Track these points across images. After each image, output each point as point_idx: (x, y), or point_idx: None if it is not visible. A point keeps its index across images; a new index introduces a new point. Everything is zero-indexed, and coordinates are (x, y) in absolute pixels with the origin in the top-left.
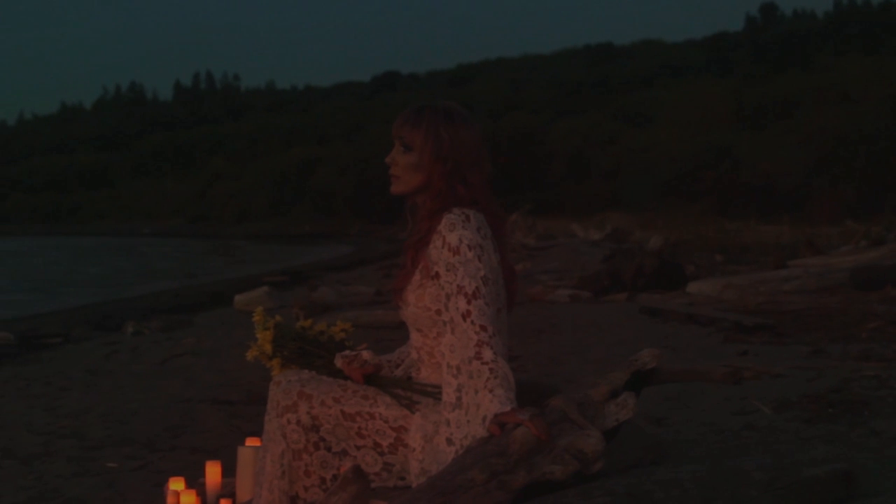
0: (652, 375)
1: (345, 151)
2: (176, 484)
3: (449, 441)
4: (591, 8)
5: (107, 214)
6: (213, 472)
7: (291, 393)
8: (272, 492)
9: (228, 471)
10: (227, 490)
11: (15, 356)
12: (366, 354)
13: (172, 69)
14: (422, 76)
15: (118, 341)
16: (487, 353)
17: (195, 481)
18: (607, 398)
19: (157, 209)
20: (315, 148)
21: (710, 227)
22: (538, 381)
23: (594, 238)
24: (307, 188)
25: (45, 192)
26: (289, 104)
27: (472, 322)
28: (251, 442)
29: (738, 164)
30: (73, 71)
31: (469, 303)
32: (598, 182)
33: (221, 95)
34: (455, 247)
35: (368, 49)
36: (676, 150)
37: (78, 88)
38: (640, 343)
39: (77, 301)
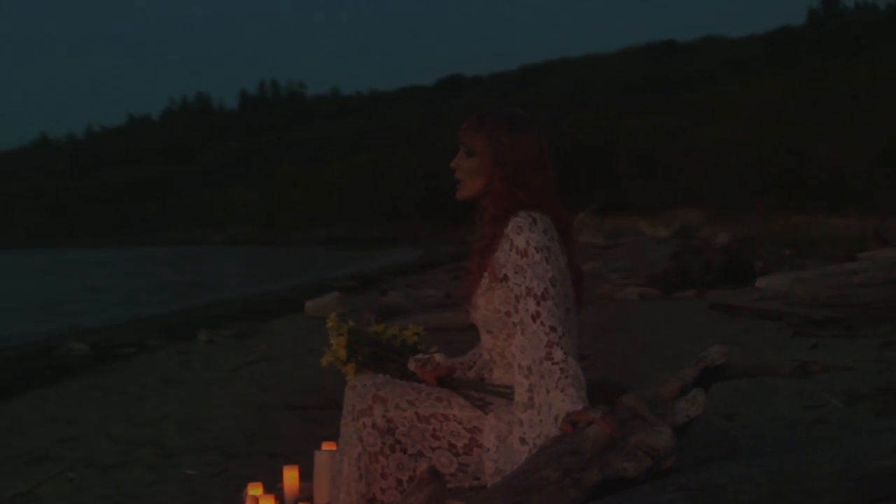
0: (721, 372)
1: (411, 155)
2: (254, 489)
3: (522, 441)
4: (653, 5)
5: (176, 224)
6: (290, 477)
7: (366, 397)
8: (350, 494)
9: (306, 475)
10: (305, 494)
11: (90, 367)
12: (438, 357)
13: (238, 78)
14: (486, 78)
15: (191, 350)
16: (558, 353)
17: (273, 486)
18: (677, 395)
19: (226, 217)
20: (381, 152)
21: (777, 221)
22: (608, 379)
23: (662, 235)
24: (375, 193)
25: (114, 203)
26: (354, 110)
27: (542, 323)
28: (327, 446)
29: (805, 158)
30: (140, 82)
31: (538, 304)
32: (665, 179)
33: (287, 103)
34: (523, 249)
35: (432, 52)
36: (742, 146)
37: (145, 100)
38: (709, 340)
39: (149, 311)
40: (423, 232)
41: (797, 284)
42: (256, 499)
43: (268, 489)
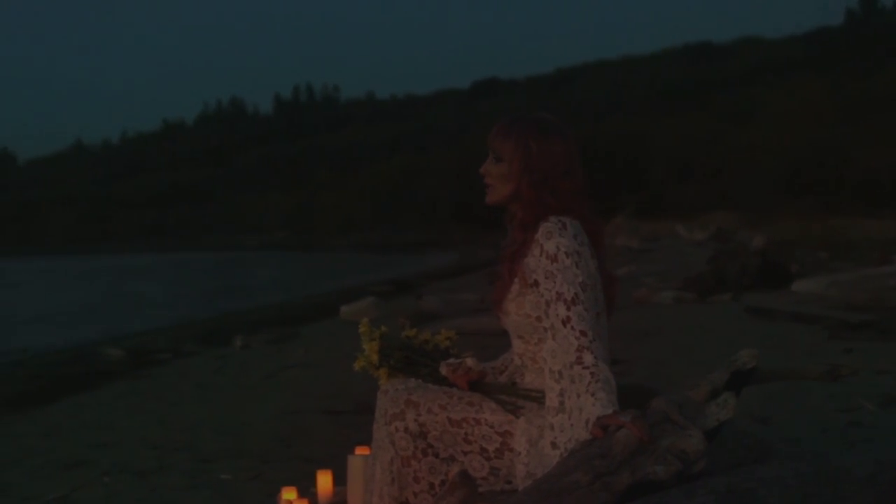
0: (752, 375)
1: (446, 159)
2: (289, 493)
3: (553, 445)
4: (689, 6)
5: (211, 229)
6: (324, 482)
7: (399, 401)
8: (382, 498)
9: (339, 479)
10: (339, 499)
11: (126, 372)
12: (470, 362)
13: (272, 82)
14: (521, 81)
15: (227, 355)
16: (588, 358)
17: (307, 491)
18: (708, 399)
19: (262, 222)
20: (417, 156)
21: (814, 224)
22: (640, 383)
23: (698, 238)
24: (410, 197)
25: (150, 208)
26: (389, 113)
27: (573, 328)
28: (361, 451)
29: (843, 160)
30: (175, 88)
31: (568, 309)
32: (701, 182)
33: (322, 107)
34: (553, 254)
35: (467, 55)
36: (780, 148)
37: (180, 105)
38: (744, 343)
39: (185, 316)
40: (458, 236)
41: (833, 287)
42: (291, 503)
43: (302, 493)
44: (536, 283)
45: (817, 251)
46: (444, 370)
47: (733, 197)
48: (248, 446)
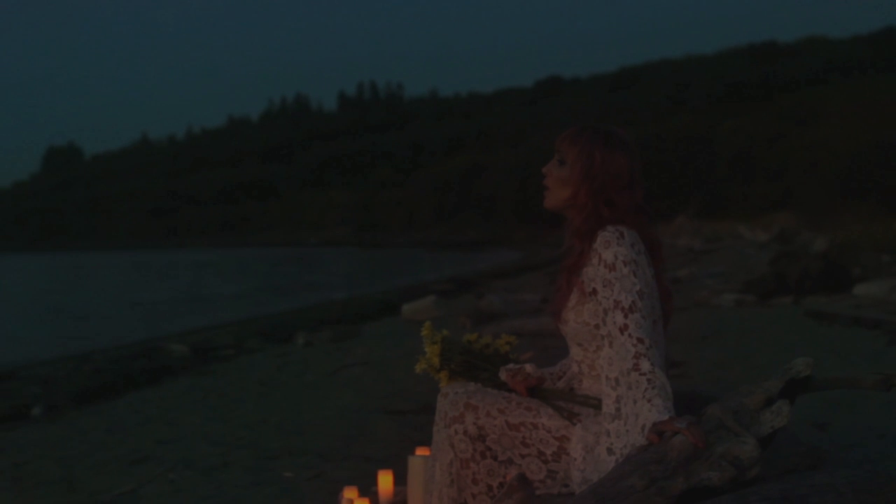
0: (806, 383)
1: (509, 157)
2: (350, 493)
3: (609, 451)
4: (754, 5)
5: (275, 225)
6: (385, 482)
7: (458, 404)
8: (441, 500)
9: (400, 479)
10: (399, 499)
11: (190, 368)
12: (529, 368)
13: (336, 79)
14: (584, 80)
15: (289, 352)
16: (645, 365)
17: (368, 490)
18: (762, 406)
19: (324, 219)
20: (479, 154)
21: (878, 226)
22: (696, 390)
23: (761, 239)
24: (472, 195)
25: (214, 204)
26: (452, 112)
27: (630, 335)
28: (421, 451)
29: None
30: (240, 84)
31: (626, 316)
32: (765, 182)
33: (385, 104)
34: (611, 263)
35: (531, 53)
36: (844, 149)
37: (245, 101)
38: (803, 348)
39: (249, 312)
40: (520, 234)
41: (895, 292)
42: (352, 502)
43: (363, 493)
44: (595, 292)
45: (880, 254)
46: (503, 375)
47: (796, 198)
48: (309, 444)
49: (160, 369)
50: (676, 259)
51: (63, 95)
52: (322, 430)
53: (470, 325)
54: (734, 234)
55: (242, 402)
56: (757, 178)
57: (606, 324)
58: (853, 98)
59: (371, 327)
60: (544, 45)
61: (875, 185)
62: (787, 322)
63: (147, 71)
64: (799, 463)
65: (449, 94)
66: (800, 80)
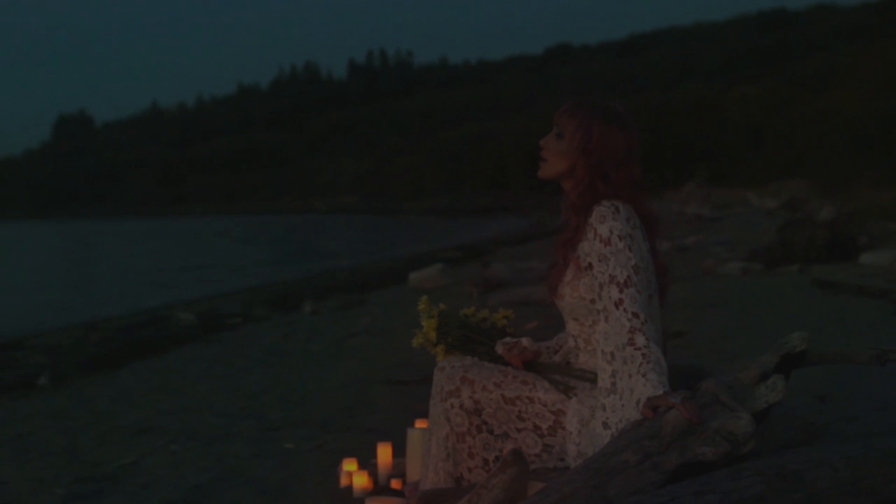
0: (802, 358)
1: (518, 124)
2: (349, 465)
3: (605, 425)
4: None
5: (284, 192)
6: (384, 454)
7: (455, 378)
8: (437, 473)
9: (400, 451)
10: (398, 471)
11: (197, 337)
12: (525, 341)
13: (346, 47)
14: (593, 47)
15: (296, 321)
16: (640, 339)
17: (367, 462)
18: (757, 381)
19: (334, 186)
20: (488, 122)
21: (886, 194)
22: (692, 363)
23: (770, 207)
24: (481, 162)
25: (223, 171)
26: (462, 79)
27: (625, 310)
28: (420, 424)
29: None
30: (250, 52)
31: (621, 291)
32: (774, 150)
33: (395, 72)
34: (606, 238)
35: (540, 20)
36: (854, 116)
37: (255, 69)
38: (808, 317)
39: (256, 280)
40: (529, 202)
41: None
42: (351, 474)
43: (362, 464)
44: (590, 267)
45: (887, 223)
46: (499, 349)
47: (806, 165)
48: (312, 415)
49: (167, 338)
50: (684, 227)
51: (73, 64)
52: (325, 401)
53: (476, 294)
54: (744, 202)
55: (248, 371)
56: (766, 146)
57: (602, 298)
58: (862, 65)
59: (378, 296)
60: (553, 12)
61: (885, 152)
62: (793, 291)
63: (157, 39)
64: (794, 438)
65: (458, 61)
66: (809, 47)
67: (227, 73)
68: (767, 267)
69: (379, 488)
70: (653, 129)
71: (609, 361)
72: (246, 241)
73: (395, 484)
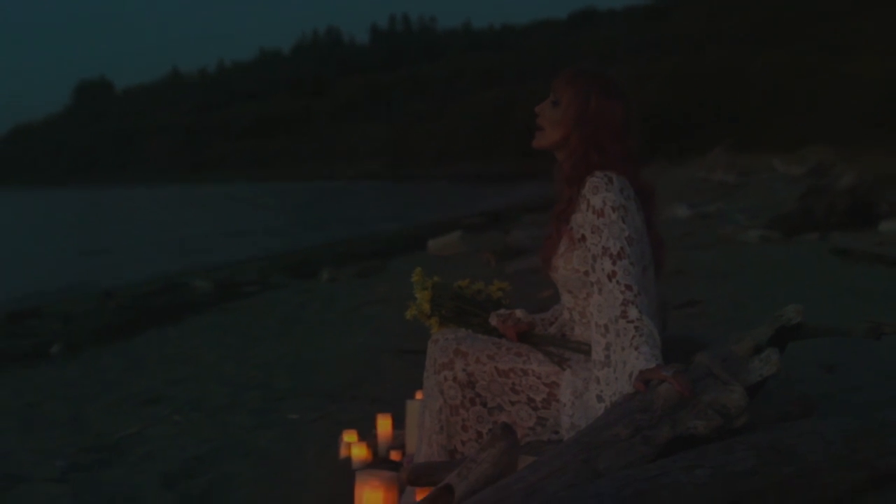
0: (797, 331)
1: (543, 90)
2: (349, 436)
3: (599, 398)
4: None
5: (307, 159)
6: (383, 425)
7: (448, 350)
8: (431, 446)
9: (400, 423)
10: (398, 442)
11: (213, 304)
12: (519, 313)
13: (369, 11)
14: (619, 11)
15: (313, 288)
16: (633, 312)
17: (369, 433)
18: (751, 354)
19: (357, 152)
20: (513, 87)
21: None
22: (689, 335)
23: (795, 173)
24: (506, 128)
25: (246, 138)
26: (486, 44)
27: (618, 282)
28: (421, 395)
29: None
30: (272, 17)
31: (614, 263)
32: (801, 115)
33: (418, 37)
34: (599, 209)
35: None
36: (882, 81)
37: (276, 34)
38: (824, 286)
39: (276, 247)
40: (554, 168)
41: None
42: (350, 446)
43: (363, 435)
44: (583, 238)
45: None
46: (493, 321)
47: (832, 130)
48: (318, 385)
49: (183, 306)
50: (707, 193)
51: (94, 29)
52: (333, 370)
53: (494, 262)
54: (769, 168)
55: (260, 340)
56: (793, 111)
57: (595, 270)
58: (892, 29)
59: (397, 263)
60: None
61: None
62: (811, 259)
63: (178, 4)
64: (791, 411)
65: (482, 25)
66: (837, 10)
67: (249, 38)
68: (787, 234)
69: (378, 460)
70: (679, 95)
71: (603, 334)
72: (267, 208)
73: (394, 455)
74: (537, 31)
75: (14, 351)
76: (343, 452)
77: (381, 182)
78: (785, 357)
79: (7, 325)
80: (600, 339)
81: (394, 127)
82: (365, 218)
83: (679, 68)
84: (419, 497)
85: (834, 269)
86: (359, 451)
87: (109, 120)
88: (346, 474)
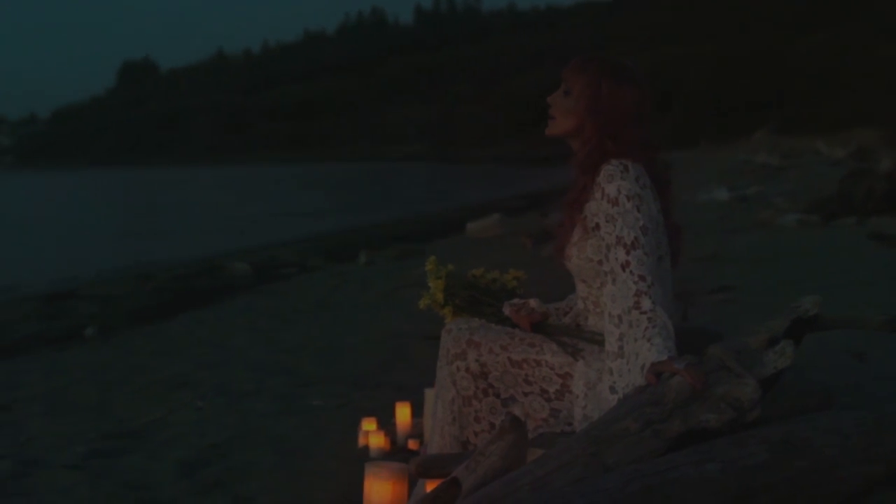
0: (814, 323)
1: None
2: (368, 424)
3: (612, 389)
4: None
5: (351, 140)
6: (402, 414)
7: (461, 341)
8: (444, 437)
9: (420, 411)
10: (417, 431)
11: (250, 287)
12: (533, 303)
13: None
14: None
15: (349, 271)
16: (646, 303)
17: (389, 421)
18: (766, 346)
19: (401, 134)
20: (558, 69)
21: None
22: (704, 327)
23: (838, 156)
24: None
25: (291, 119)
26: (530, 25)
27: (632, 272)
28: None
29: None
30: None
31: (628, 253)
32: (846, 97)
33: (463, 18)
34: (614, 197)
35: None
36: None
37: (321, 15)
38: (859, 272)
39: (316, 229)
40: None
41: None
42: (368, 434)
43: (383, 424)
44: (597, 227)
45: None
46: (507, 310)
47: (878, 113)
48: (344, 371)
49: (220, 288)
50: (748, 176)
51: (139, 9)
52: (360, 356)
53: (530, 245)
54: (813, 151)
55: (291, 323)
56: (839, 93)
57: (609, 260)
58: None
59: (435, 246)
60: None
61: None
62: (848, 244)
63: None
64: (807, 403)
65: (527, 7)
66: None
67: (293, 20)
68: (825, 219)
69: (396, 449)
70: (723, 77)
71: (616, 325)
72: (310, 189)
73: (412, 445)
74: (582, 12)
75: (49, 333)
76: (362, 441)
77: (425, 163)
78: (813, 343)
79: (45, 307)
80: (614, 329)
81: (437, 108)
82: (407, 199)
83: (723, 50)
84: (429, 489)
85: (871, 255)
86: (376, 440)
87: (154, 101)
88: (363, 464)
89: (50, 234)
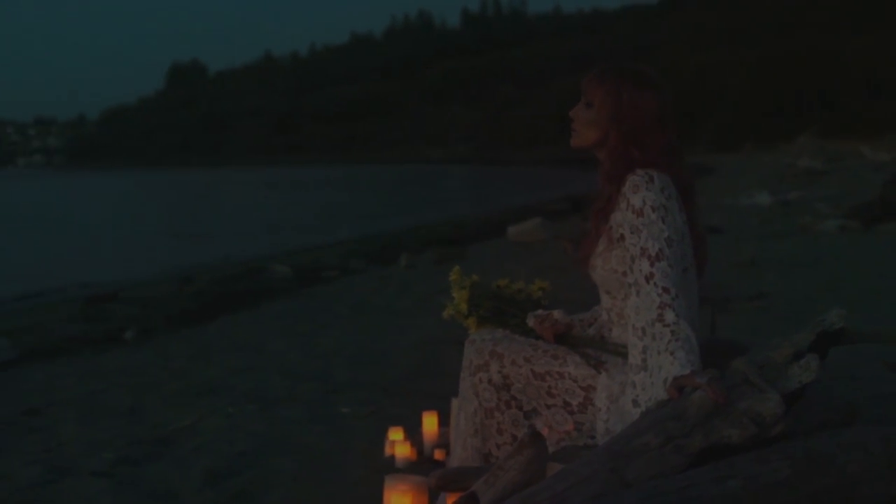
0: (839, 336)
1: None
2: (395, 434)
3: (635, 403)
4: None
5: (397, 142)
6: (429, 423)
7: (483, 352)
8: (466, 449)
9: (447, 420)
10: (443, 440)
11: (290, 290)
12: (557, 314)
13: None
14: None
15: (390, 275)
16: (669, 316)
17: (417, 430)
18: (790, 360)
19: (447, 136)
20: None
21: None
22: (733, 340)
23: (883, 160)
24: None
25: (337, 121)
26: (575, 28)
27: (655, 284)
28: None
29: None
30: (363, 1)
31: (652, 265)
32: (892, 101)
33: (508, 21)
34: (639, 208)
35: None
36: None
37: (367, 18)
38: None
39: (360, 231)
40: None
41: None
42: (394, 443)
43: (410, 433)
44: (622, 238)
45: None
46: (531, 321)
47: None
48: (377, 378)
49: (260, 291)
50: (790, 180)
51: (187, 12)
52: (393, 362)
53: (570, 250)
54: (857, 155)
55: (327, 328)
56: (884, 97)
57: (633, 271)
58: None
59: (476, 249)
60: None
61: None
62: (889, 250)
63: None
64: (832, 418)
65: (572, 10)
66: None
67: (341, 23)
68: (866, 224)
69: (423, 459)
70: (767, 80)
71: (640, 337)
72: (356, 191)
73: (438, 455)
74: (627, 15)
75: (88, 336)
76: (388, 451)
77: (469, 166)
78: (848, 353)
79: (87, 309)
80: (637, 342)
81: (483, 111)
82: (451, 202)
83: (768, 53)
84: (450, 503)
85: None
86: (402, 450)
87: (202, 103)
88: (388, 474)
89: (96, 235)
